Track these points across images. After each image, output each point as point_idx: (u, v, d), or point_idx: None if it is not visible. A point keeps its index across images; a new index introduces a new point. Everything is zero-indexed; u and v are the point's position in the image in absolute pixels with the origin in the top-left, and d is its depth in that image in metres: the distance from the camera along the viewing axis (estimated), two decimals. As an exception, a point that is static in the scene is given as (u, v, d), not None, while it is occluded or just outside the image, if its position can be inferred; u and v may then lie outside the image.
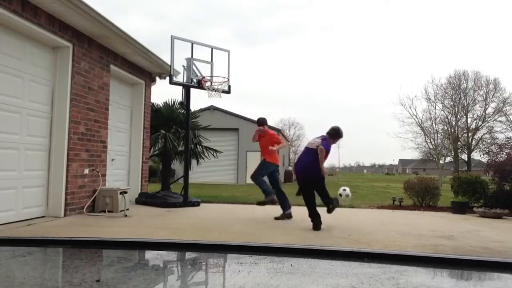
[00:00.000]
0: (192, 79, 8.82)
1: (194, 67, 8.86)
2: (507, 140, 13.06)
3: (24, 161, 6.30)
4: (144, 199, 9.29)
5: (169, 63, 8.69)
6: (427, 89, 41.51)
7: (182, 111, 10.45)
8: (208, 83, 8.93)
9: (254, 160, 26.55)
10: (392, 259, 1.20)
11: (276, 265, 1.12)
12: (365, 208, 10.72)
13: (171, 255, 1.32)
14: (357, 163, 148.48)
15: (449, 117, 35.23)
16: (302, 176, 6.68)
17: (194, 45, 8.89)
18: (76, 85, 7.12)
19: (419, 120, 33.44)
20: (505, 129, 34.66)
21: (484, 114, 35.98)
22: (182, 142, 10.77)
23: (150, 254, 1.35)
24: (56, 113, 6.90)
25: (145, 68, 9.86)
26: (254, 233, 5.98)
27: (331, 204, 6.64)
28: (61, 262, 1.23)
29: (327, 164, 7.32)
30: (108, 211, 7.47)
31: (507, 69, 79.36)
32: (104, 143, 8.10)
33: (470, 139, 36.16)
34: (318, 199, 6.66)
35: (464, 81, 36.22)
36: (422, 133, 33.36)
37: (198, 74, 8.90)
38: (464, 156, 37.04)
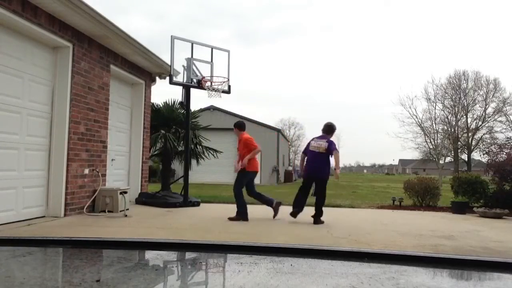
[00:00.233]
0: (192, 79, 8.81)
1: (194, 67, 8.85)
2: (507, 140, 13.07)
3: (24, 161, 6.30)
4: (144, 199, 9.29)
5: (169, 63, 8.68)
6: (427, 89, 41.49)
7: (182, 111, 10.45)
8: (208, 83, 8.93)
9: (254, 160, 26.57)
10: (392, 259, 1.20)
11: (276, 265, 1.12)
12: (365, 208, 10.72)
13: (171, 255, 1.32)
14: (357, 163, 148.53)
15: (449, 117, 35.25)
16: (314, 177, 7.36)
17: (194, 45, 8.89)
18: (76, 85, 7.12)
19: (419, 120, 33.44)
20: (505, 129, 34.69)
21: (484, 114, 36.02)
22: (182, 142, 10.77)
23: (150, 254, 1.35)
24: (56, 113, 6.90)
25: (145, 68, 9.86)
26: (254, 233, 5.99)
27: (298, 207, 7.32)
28: (61, 262, 1.23)
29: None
30: (108, 211, 7.47)
31: (507, 69, 79.39)
32: (104, 143, 8.10)
33: (470, 139, 36.18)
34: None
35: (464, 81, 36.25)
36: (422, 133, 33.35)
37: (198, 74, 8.90)
38: (464, 156, 37.06)
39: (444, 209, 10.19)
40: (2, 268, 1.07)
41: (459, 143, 35.35)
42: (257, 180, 29.75)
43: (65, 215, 6.82)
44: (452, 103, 35.85)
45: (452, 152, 35.16)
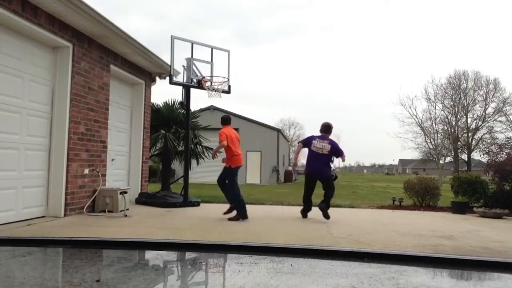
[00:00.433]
0: (192, 79, 8.81)
1: (194, 67, 8.85)
2: (507, 140, 13.07)
3: (24, 161, 6.30)
4: (144, 199, 9.29)
5: (169, 63, 8.68)
6: (427, 89, 41.49)
7: (182, 111, 10.45)
8: (208, 83, 8.93)
9: (254, 160, 26.60)
10: (392, 259, 1.20)
11: (276, 265, 1.12)
12: (365, 208, 10.72)
13: (171, 255, 1.32)
14: (357, 163, 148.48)
15: (449, 117, 35.24)
16: (317, 176, 7.63)
17: (194, 45, 8.89)
18: (76, 85, 7.12)
19: (419, 120, 33.45)
20: (505, 129, 34.69)
21: (484, 114, 36.01)
22: (182, 142, 10.76)
23: (150, 254, 1.35)
24: (56, 113, 6.90)
25: (145, 68, 9.86)
26: (254, 233, 5.99)
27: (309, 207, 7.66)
28: (61, 262, 1.23)
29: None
30: (108, 211, 7.47)
31: (507, 69, 79.36)
32: (104, 143, 8.11)
33: (470, 139, 36.17)
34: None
35: (464, 81, 36.25)
36: (422, 133, 33.35)
37: (198, 74, 8.90)
38: (464, 156, 37.06)
39: (444, 209, 10.19)
40: (2, 268, 1.07)
41: (459, 143, 35.35)
42: (257, 180, 29.84)
43: (65, 215, 6.82)
44: (452, 103, 35.86)
45: (452, 152, 35.16)
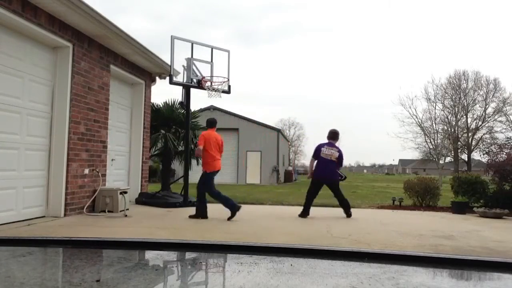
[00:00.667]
0: (192, 79, 8.81)
1: (194, 67, 8.85)
2: (507, 140, 13.07)
3: (24, 161, 6.30)
4: (144, 199, 9.29)
5: (169, 63, 8.68)
6: (427, 89, 41.66)
7: (182, 111, 10.45)
8: (208, 83, 8.93)
9: (254, 160, 26.60)
10: (392, 259, 1.20)
11: (276, 265, 1.12)
12: (365, 208, 10.72)
13: (171, 255, 1.32)
14: (357, 163, 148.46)
15: (449, 117, 35.27)
16: (326, 181, 8.06)
17: (194, 45, 8.89)
18: (76, 85, 7.12)
19: (419, 120, 33.50)
20: (505, 129, 34.69)
21: (484, 114, 36.01)
22: (182, 142, 10.77)
23: (150, 254, 1.35)
24: (56, 113, 6.90)
25: (145, 68, 9.86)
26: (254, 233, 5.99)
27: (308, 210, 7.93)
28: (61, 262, 1.23)
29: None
30: (108, 211, 7.47)
31: (507, 69, 79.33)
32: (104, 143, 8.11)
33: (470, 139, 36.17)
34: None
35: (464, 81, 36.25)
36: (422, 133, 33.40)
37: (198, 74, 8.90)
38: (464, 156, 37.05)
39: (444, 209, 10.18)
40: (2, 268, 1.07)
41: (459, 143, 35.36)
42: (257, 180, 29.83)
43: (65, 215, 6.82)
44: (452, 103, 35.87)
45: (452, 152, 35.17)
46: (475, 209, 9.35)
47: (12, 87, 6.05)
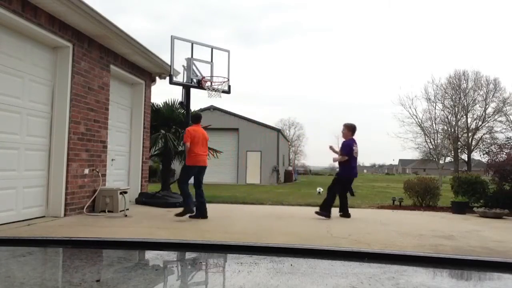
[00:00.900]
0: (192, 79, 8.81)
1: (194, 67, 8.85)
2: (507, 140, 13.07)
3: (24, 161, 6.30)
4: (144, 199, 9.29)
5: (169, 63, 8.68)
6: (427, 89, 41.63)
7: (182, 111, 10.45)
8: (208, 83, 8.93)
9: (254, 160, 26.60)
10: (392, 259, 1.20)
11: (276, 265, 1.12)
12: (365, 208, 10.72)
13: (171, 255, 1.32)
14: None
15: (449, 117, 35.28)
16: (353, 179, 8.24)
17: (194, 45, 8.89)
18: (76, 85, 7.12)
19: (419, 120, 33.51)
20: (505, 129, 34.69)
21: (484, 114, 36.02)
22: (182, 142, 10.76)
23: (150, 254, 1.35)
24: (56, 113, 6.90)
25: (145, 68, 9.86)
26: (254, 233, 5.99)
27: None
28: (61, 262, 1.23)
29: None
30: (108, 211, 7.47)
31: (507, 69, 79.31)
32: (104, 143, 8.11)
33: (470, 139, 36.17)
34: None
35: (464, 81, 36.26)
36: (422, 133, 33.41)
37: (198, 74, 8.90)
38: (464, 156, 37.06)
39: (444, 209, 10.18)
40: (2, 268, 1.07)
41: (459, 143, 35.36)
42: (257, 180, 29.77)
43: (65, 215, 6.82)
44: (452, 103, 35.88)
45: (452, 152, 35.18)
46: (475, 209, 9.35)
47: (12, 87, 6.05)
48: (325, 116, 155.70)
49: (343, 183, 8.00)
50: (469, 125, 36.17)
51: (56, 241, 1.45)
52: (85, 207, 7.34)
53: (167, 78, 9.13)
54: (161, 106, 11.67)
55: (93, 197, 7.55)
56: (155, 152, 11.83)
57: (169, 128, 11.26)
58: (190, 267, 1.19)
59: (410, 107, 43.16)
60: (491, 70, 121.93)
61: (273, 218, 7.76)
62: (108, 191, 7.64)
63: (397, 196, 11.81)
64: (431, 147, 32.65)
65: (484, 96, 35.99)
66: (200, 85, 8.84)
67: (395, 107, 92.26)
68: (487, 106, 35.94)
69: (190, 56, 8.78)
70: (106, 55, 8.11)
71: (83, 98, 7.34)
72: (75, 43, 7.05)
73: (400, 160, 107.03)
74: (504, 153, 10.69)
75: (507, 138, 15.20)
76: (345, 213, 7.91)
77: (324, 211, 7.65)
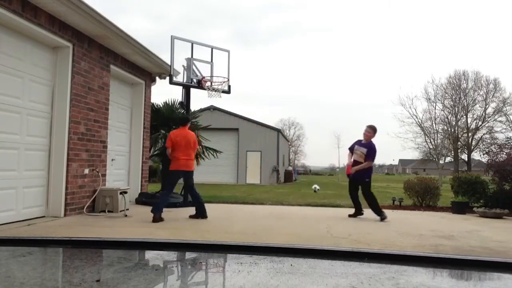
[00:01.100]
0: (192, 79, 8.82)
1: (194, 67, 8.86)
2: (507, 140, 13.06)
3: (24, 161, 6.30)
4: (144, 199, 9.29)
5: (169, 63, 8.69)
6: (427, 89, 41.59)
7: (182, 111, 10.46)
8: (208, 83, 8.94)
9: (254, 160, 26.61)
10: (392, 259, 1.20)
11: (276, 265, 1.12)
12: (365, 208, 10.71)
13: (171, 255, 1.32)
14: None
15: (449, 117, 35.28)
16: None
17: (194, 45, 8.90)
18: (76, 85, 7.12)
19: (419, 120, 33.54)
20: (505, 129, 34.68)
21: (484, 114, 36.01)
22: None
23: (150, 254, 1.35)
24: (56, 113, 6.90)
25: (145, 68, 9.86)
26: (254, 233, 5.99)
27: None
28: (61, 262, 1.23)
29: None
30: (108, 211, 7.47)
31: (507, 69, 79.27)
32: (104, 143, 8.11)
33: (470, 139, 36.17)
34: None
35: (464, 81, 36.25)
36: (422, 133, 33.44)
37: (198, 74, 8.91)
38: (464, 156, 37.05)
39: (444, 209, 10.19)
40: (2, 268, 1.07)
41: (459, 143, 35.36)
42: (257, 180, 29.77)
43: (65, 215, 6.82)
44: (452, 103, 35.88)
45: (452, 152, 35.18)
46: (475, 209, 9.35)
47: (12, 87, 6.06)
48: (325, 116, 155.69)
49: (370, 184, 8.02)
50: (469, 125, 36.17)
51: (56, 241, 1.45)
52: (85, 207, 7.34)
53: (167, 78, 9.15)
54: (161, 106, 11.67)
55: (93, 197, 7.55)
56: (155, 152, 11.83)
57: (169, 128, 11.25)
58: (190, 267, 1.19)
59: (410, 107, 43.26)
60: (491, 70, 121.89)
61: (273, 218, 7.76)
62: (108, 191, 7.64)
63: (397, 196, 11.81)
64: (431, 147, 32.68)
65: (484, 96, 36.01)
66: (200, 85, 8.85)
67: (395, 107, 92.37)
68: (487, 106, 35.96)
69: (190, 56, 8.79)
70: (106, 55, 8.11)
71: (83, 98, 7.34)
72: (75, 43, 7.06)
73: (400, 160, 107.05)
74: (504, 153, 10.69)
75: (507, 138, 15.19)
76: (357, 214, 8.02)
77: (382, 215, 7.66)
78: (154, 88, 10.68)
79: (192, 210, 7.54)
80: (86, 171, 7.44)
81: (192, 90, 9.08)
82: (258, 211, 9.06)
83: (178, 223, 6.71)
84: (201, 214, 7.18)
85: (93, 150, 7.69)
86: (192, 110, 11.14)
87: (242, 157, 26.53)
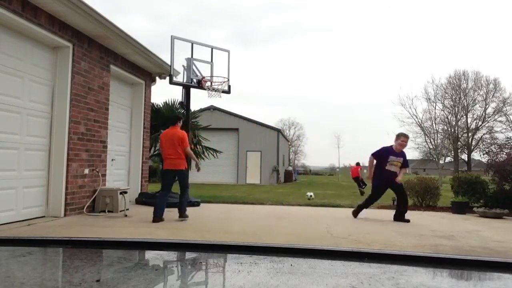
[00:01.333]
0: (192, 79, 8.82)
1: (194, 67, 8.86)
2: (507, 140, 13.05)
3: (24, 161, 6.30)
4: (144, 199, 9.29)
5: (169, 63, 8.68)
6: (427, 89, 41.67)
7: (182, 111, 10.46)
8: (208, 83, 8.93)
9: (254, 160, 26.61)
10: (392, 259, 1.20)
11: (276, 265, 1.12)
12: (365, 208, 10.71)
13: (171, 255, 1.32)
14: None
15: (449, 117, 35.30)
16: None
17: (194, 45, 8.90)
18: (76, 85, 7.12)
19: (419, 120, 33.56)
20: (505, 129, 34.70)
21: (484, 114, 36.03)
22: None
23: (150, 254, 1.35)
24: (56, 113, 6.90)
25: (145, 68, 9.86)
26: (254, 233, 5.99)
27: None
28: (61, 262, 1.23)
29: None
30: (108, 211, 7.47)
31: (507, 69, 79.10)
32: (104, 143, 8.11)
33: (470, 139, 36.18)
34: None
35: (464, 81, 36.28)
36: (422, 133, 33.44)
37: (198, 74, 8.90)
38: (464, 156, 37.07)
39: (444, 209, 10.19)
40: (2, 268, 1.07)
41: (459, 143, 35.37)
42: (257, 180, 29.80)
43: (65, 215, 6.82)
44: (452, 103, 35.90)
45: (452, 152, 35.19)
46: (475, 209, 9.35)
47: (12, 87, 6.06)
48: (325, 116, 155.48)
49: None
50: (469, 125, 36.18)
51: (56, 241, 1.45)
52: (85, 207, 7.34)
53: (167, 78, 9.14)
54: (161, 106, 11.68)
55: (93, 197, 7.55)
56: (155, 152, 11.84)
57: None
58: (190, 267, 1.19)
59: (410, 107, 43.31)
60: (491, 70, 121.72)
61: (273, 218, 7.76)
62: (108, 191, 7.64)
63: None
64: (431, 147, 32.69)
65: (484, 96, 36.03)
66: (200, 85, 8.85)
67: (395, 107, 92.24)
68: (487, 106, 35.98)
69: (190, 56, 8.79)
70: (106, 55, 8.11)
71: (83, 98, 7.34)
72: (75, 43, 7.06)
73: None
74: (504, 153, 10.69)
75: (507, 138, 15.19)
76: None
77: (405, 219, 7.62)
78: (154, 88, 10.69)
79: (192, 210, 7.55)
80: (86, 171, 7.44)
81: (192, 90, 9.08)
82: (258, 211, 9.05)
83: (178, 223, 6.71)
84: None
85: (93, 150, 7.69)
86: (192, 110, 11.14)
87: (242, 157, 26.53)
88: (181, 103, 9.47)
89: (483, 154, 15.62)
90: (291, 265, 1.12)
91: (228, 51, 9.23)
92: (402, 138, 7.98)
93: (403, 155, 7.95)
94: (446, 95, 35.86)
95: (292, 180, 31.80)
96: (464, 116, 36.02)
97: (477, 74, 36.35)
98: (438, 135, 33.00)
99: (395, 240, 5.61)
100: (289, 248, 1.32)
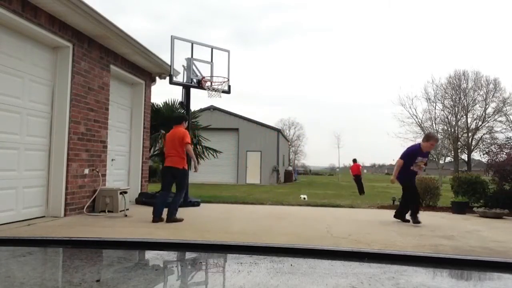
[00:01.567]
0: (192, 79, 8.82)
1: (194, 67, 8.86)
2: (507, 140, 13.05)
3: (24, 161, 6.30)
4: (144, 199, 9.29)
5: (169, 63, 8.69)
6: (427, 89, 41.68)
7: (182, 111, 10.46)
8: (208, 83, 8.94)
9: (254, 160, 26.61)
10: (392, 259, 1.20)
11: (276, 265, 1.11)
12: (365, 208, 10.72)
13: (171, 255, 1.32)
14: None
15: (449, 117, 35.28)
16: None
17: (194, 45, 8.90)
18: (76, 85, 7.12)
19: (419, 120, 33.57)
20: (505, 129, 34.67)
21: (484, 114, 35.99)
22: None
23: (150, 254, 1.35)
24: (56, 113, 6.90)
25: (145, 68, 9.86)
26: (254, 233, 5.99)
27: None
28: (61, 262, 1.23)
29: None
30: (108, 211, 7.47)
31: (507, 69, 79.17)
32: (104, 143, 8.11)
33: (470, 139, 36.16)
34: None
35: (464, 81, 36.24)
36: (422, 133, 33.38)
37: (198, 74, 8.91)
38: (464, 156, 37.05)
39: (444, 209, 10.18)
40: (2, 268, 1.07)
41: (459, 143, 35.35)
42: (257, 180, 29.86)
43: (65, 215, 6.82)
44: (452, 103, 35.87)
45: (452, 152, 35.17)
46: (475, 209, 9.35)
47: (12, 87, 6.06)
48: (325, 116, 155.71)
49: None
50: (469, 125, 36.16)
51: (56, 241, 1.45)
52: (85, 207, 7.35)
53: (167, 78, 9.15)
54: (161, 106, 11.67)
55: (93, 197, 7.55)
56: (155, 152, 11.83)
57: (169, 128, 11.25)
58: (190, 267, 1.19)
59: (410, 107, 43.33)
60: (491, 70, 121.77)
61: (273, 218, 7.76)
62: (108, 191, 7.64)
63: (397, 196, 11.79)
64: (431, 147, 32.57)
65: (484, 96, 35.99)
66: (200, 85, 8.85)
67: (395, 107, 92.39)
68: (487, 106, 35.94)
69: (190, 56, 8.79)
70: (106, 55, 8.11)
71: (83, 98, 7.34)
72: (75, 43, 7.06)
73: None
74: (504, 153, 10.68)
75: (507, 138, 15.19)
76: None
77: (418, 220, 7.45)
78: (154, 88, 10.69)
79: (192, 210, 7.54)
80: (86, 171, 7.44)
81: (192, 90, 9.08)
82: (258, 211, 9.05)
83: (177, 223, 6.71)
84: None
85: (93, 150, 7.69)
86: (192, 110, 11.14)
87: (242, 157, 26.53)
88: (181, 103, 9.48)
89: (483, 154, 15.62)
90: (291, 265, 1.12)
91: (228, 51, 9.23)
92: (432, 141, 7.84)
93: (427, 155, 7.93)
94: (446, 95, 35.85)
95: (292, 180, 31.81)
96: (464, 116, 36.00)
97: (477, 74, 36.34)
98: (438, 135, 32.96)
99: (395, 240, 5.61)
100: (289, 248, 1.32)
